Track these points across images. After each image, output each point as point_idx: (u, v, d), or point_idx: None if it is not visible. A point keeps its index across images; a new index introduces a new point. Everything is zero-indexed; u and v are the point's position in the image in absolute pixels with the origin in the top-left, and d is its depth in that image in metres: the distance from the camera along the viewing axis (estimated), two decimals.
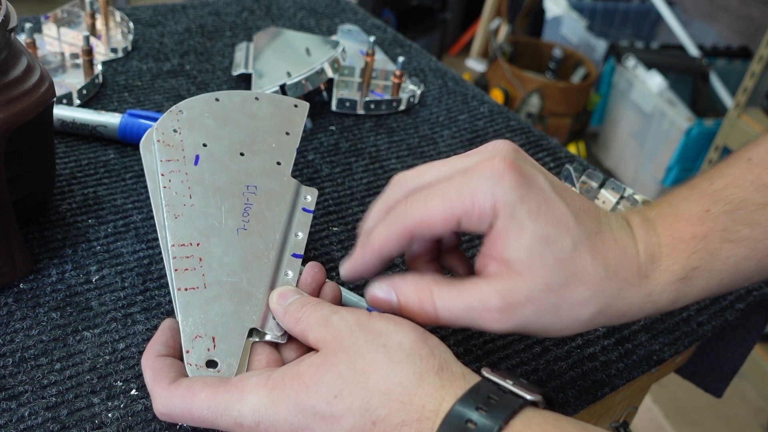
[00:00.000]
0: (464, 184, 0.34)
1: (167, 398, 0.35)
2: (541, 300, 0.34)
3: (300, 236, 0.45)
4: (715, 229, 0.35)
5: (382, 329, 0.34)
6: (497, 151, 0.35)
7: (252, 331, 0.39)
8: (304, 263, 0.44)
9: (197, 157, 0.46)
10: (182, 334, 0.38)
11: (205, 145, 0.47)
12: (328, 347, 0.34)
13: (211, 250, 0.42)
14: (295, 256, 0.44)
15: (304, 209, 0.47)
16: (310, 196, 0.48)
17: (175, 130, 0.46)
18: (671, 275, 0.35)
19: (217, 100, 0.50)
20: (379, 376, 0.32)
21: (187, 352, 0.37)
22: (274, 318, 0.40)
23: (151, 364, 0.37)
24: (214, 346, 0.38)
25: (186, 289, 0.39)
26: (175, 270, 0.40)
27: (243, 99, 0.51)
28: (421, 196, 0.36)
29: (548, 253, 0.33)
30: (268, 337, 0.40)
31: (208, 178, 0.45)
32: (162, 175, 0.44)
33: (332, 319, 0.35)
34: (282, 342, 0.40)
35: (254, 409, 0.33)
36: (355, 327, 0.34)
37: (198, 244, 0.41)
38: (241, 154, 0.47)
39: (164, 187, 0.43)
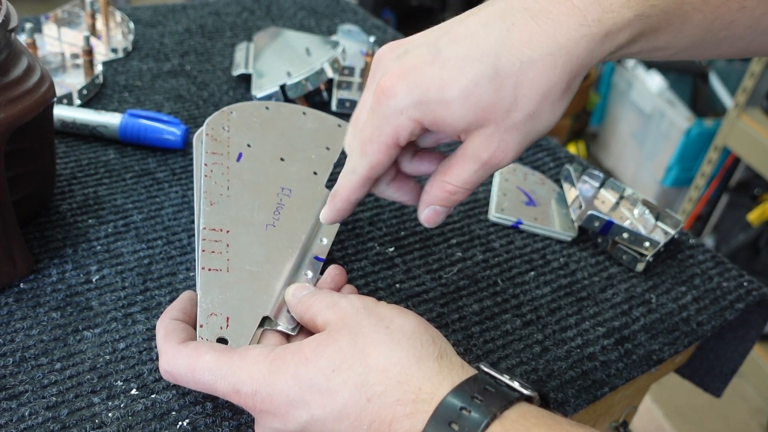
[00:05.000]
0: (378, 122, 0.37)
1: (173, 356, 0.36)
2: (514, 127, 0.36)
3: (325, 242, 0.48)
4: None
5: (387, 314, 0.35)
6: (378, 75, 0.38)
7: (264, 321, 0.41)
8: (324, 268, 0.46)
9: (240, 155, 0.48)
10: (199, 310, 0.40)
11: (249, 146, 0.49)
12: (332, 326, 0.36)
13: (239, 239, 0.44)
14: (317, 258, 0.46)
15: None
16: None
17: (224, 128, 0.49)
18: (627, 11, 0.34)
19: (267, 108, 0.53)
20: (379, 355, 0.33)
21: (201, 326, 0.39)
22: (288, 312, 0.41)
23: (165, 324, 0.38)
24: (227, 326, 0.39)
25: (210, 270, 0.42)
26: (203, 251, 0.42)
27: (291, 111, 0.54)
28: (357, 149, 0.38)
29: (481, 98, 0.35)
30: (279, 328, 0.41)
31: (247, 175, 0.47)
32: (205, 164, 0.46)
33: (340, 303, 0.37)
34: (293, 334, 0.41)
35: (253, 378, 0.34)
36: (362, 310, 0.36)
37: (228, 231, 0.44)
38: (282, 159, 0.50)
39: (205, 175, 0.46)
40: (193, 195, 0.56)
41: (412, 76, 0.35)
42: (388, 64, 0.37)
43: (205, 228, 0.43)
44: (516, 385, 0.32)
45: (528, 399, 0.32)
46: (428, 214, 0.40)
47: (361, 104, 0.39)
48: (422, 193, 0.40)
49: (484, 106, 0.35)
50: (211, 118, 0.49)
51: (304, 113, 0.55)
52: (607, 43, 0.34)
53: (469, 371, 0.33)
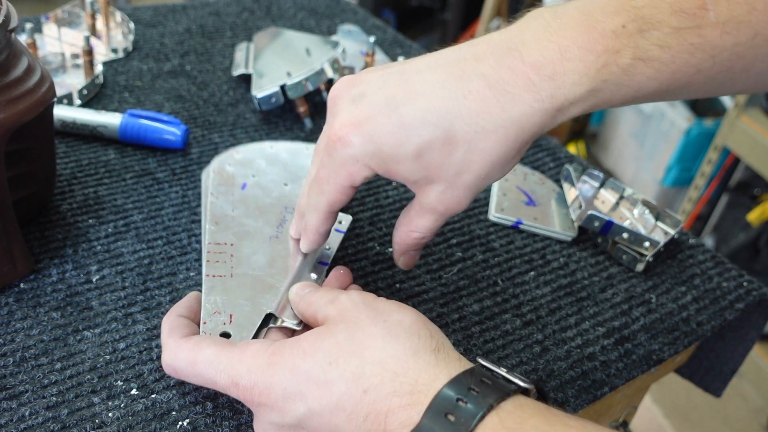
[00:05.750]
0: (334, 165, 0.39)
1: (175, 350, 0.37)
2: (464, 186, 0.38)
3: (329, 249, 0.48)
4: (628, 46, 0.34)
5: (385, 308, 0.36)
6: (334, 115, 0.39)
7: (269, 319, 0.41)
8: (328, 271, 0.46)
9: (245, 184, 0.51)
10: (203, 310, 0.40)
11: (253, 176, 0.52)
12: (331, 321, 0.36)
13: (243, 249, 0.45)
14: (321, 263, 0.47)
15: (336, 230, 0.50)
16: (344, 221, 0.52)
17: (229, 164, 0.53)
18: (579, 88, 0.35)
19: (270, 147, 0.56)
20: (376, 347, 0.33)
21: (204, 323, 0.40)
22: (292, 309, 0.42)
23: (171, 321, 0.39)
24: (231, 322, 0.40)
25: (214, 276, 0.43)
26: (207, 261, 0.43)
27: (295, 148, 0.58)
28: (316, 188, 0.40)
29: (433, 160, 0.37)
30: (284, 324, 0.41)
31: (251, 200, 0.50)
32: (211, 193, 0.49)
33: (340, 298, 0.37)
34: (297, 329, 0.41)
35: (252, 371, 0.34)
36: (360, 304, 0.36)
37: (232, 245, 0.45)
38: (285, 185, 0.52)
39: (211, 202, 0.48)
40: (192, 195, 0.56)
41: (368, 128, 0.37)
42: (344, 106, 0.38)
43: (210, 242, 0.45)
44: (512, 377, 0.33)
45: (525, 392, 0.32)
46: (405, 260, 0.44)
47: (322, 137, 0.41)
48: (393, 243, 0.43)
49: (436, 167, 0.37)
50: (217, 158, 0.53)
51: (306, 149, 0.57)
52: (559, 117, 0.36)
53: (467, 364, 0.34)
